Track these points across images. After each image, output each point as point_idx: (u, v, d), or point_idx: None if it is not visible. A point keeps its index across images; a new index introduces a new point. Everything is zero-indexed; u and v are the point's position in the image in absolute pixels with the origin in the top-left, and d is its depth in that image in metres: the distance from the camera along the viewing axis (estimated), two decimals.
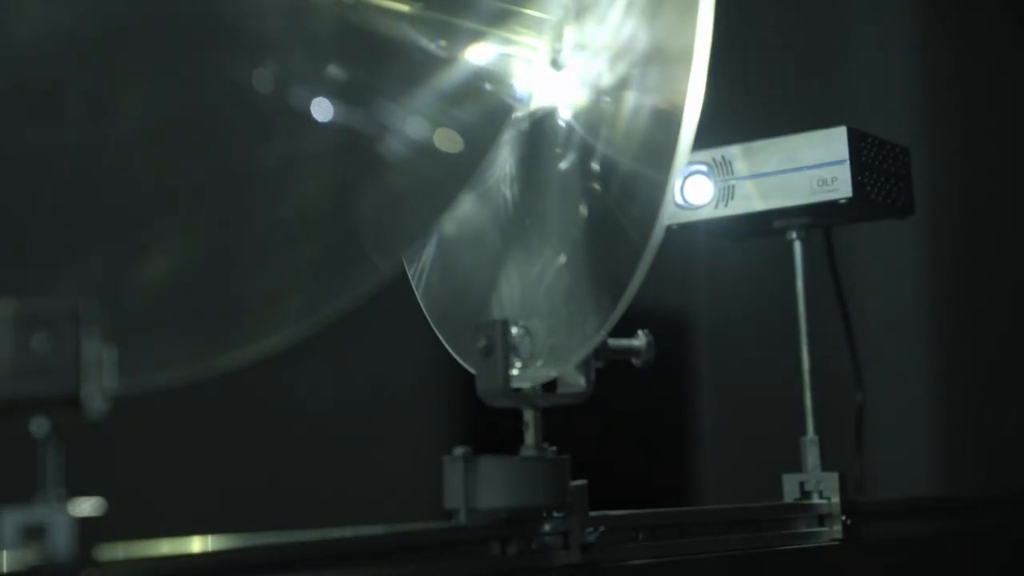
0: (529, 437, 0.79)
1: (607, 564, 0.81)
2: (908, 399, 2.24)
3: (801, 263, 1.06)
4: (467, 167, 0.64)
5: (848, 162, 1.00)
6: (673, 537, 0.88)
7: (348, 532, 0.71)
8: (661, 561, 0.85)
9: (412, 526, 0.74)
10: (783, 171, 1.02)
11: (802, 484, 1.02)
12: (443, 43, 0.64)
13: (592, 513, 0.81)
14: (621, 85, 0.79)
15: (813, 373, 1.06)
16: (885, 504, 1.05)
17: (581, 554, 0.79)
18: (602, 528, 0.80)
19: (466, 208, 0.80)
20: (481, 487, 0.76)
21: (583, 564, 0.79)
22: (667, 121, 0.75)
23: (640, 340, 0.82)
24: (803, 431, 1.05)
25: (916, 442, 2.25)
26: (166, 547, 0.60)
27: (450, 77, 0.66)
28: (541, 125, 0.83)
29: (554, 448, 0.80)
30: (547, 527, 0.79)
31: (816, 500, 1.01)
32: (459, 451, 0.77)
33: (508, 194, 0.82)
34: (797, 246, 1.06)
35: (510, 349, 0.79)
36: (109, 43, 0.58)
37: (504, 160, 0.81)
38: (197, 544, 0.62)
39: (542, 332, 0.81)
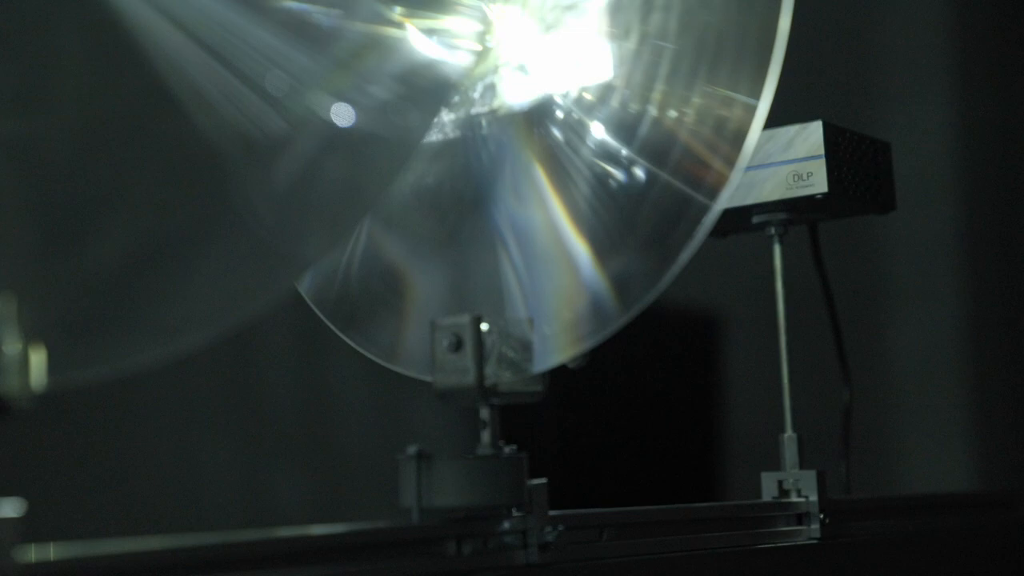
0: (486, 436, 0.79)
1: (566, 564, 0.80)
2: (940, 393, 2.22)
3: (780, 258, 1.05)
4: (396, 156, 0.62)
5: (824, 157, 0.99)
6: (642, 536, 0.87)
7: (298, 531, 0.70)
8: (624, 560, 0.84)
9: (362, 525, 0.73)
10: (759, 166, 1.01)
11: (780, 482, 1.01)
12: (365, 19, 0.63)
13: (552, 512, 0.80)
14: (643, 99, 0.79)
15: (793, 371, 1.05)
16: (864, 503, 1.03)
17: (540, 553, 0.79)
18: (561, 527, 0.79)
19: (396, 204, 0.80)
20: (435, 486, 0.76)
21: (541, 564, 0.78)
22: (718, 143, 0.75)
23: None
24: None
25: (949, 437, 2.23)
26: (92, 548, 0.59)
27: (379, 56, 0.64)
28: (511, 123, 0.82)
29: (513, 447, 0.79)
30: (505, 525, 0.78)
31: (794, 499, 1.00)
32: (412, 449, 0.76)
33: (464, 193, 0.82)
34: (776, 241, 1.05)
35: (481, 346, 0.79)
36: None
37: (454, 156, 0.81)
38: (128, 545, 0.62)
39: (512, 332, 0.81)
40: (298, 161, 0.60)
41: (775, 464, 1.03)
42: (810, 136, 1.00)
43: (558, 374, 0.81)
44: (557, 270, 0.82)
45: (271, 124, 0.59)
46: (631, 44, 0.81)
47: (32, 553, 0.56)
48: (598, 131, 0.82)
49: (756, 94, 0.76)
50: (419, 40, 0.64)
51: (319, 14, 0.61)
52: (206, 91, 0.59)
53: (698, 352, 2.32)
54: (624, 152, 0.80)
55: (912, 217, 2.01)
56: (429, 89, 0.64)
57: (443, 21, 0.65)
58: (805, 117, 1.01)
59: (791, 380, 1.05)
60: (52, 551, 0.58)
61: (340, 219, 0.61)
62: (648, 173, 0.79)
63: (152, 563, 0.62)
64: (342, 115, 0.61)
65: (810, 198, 1.00)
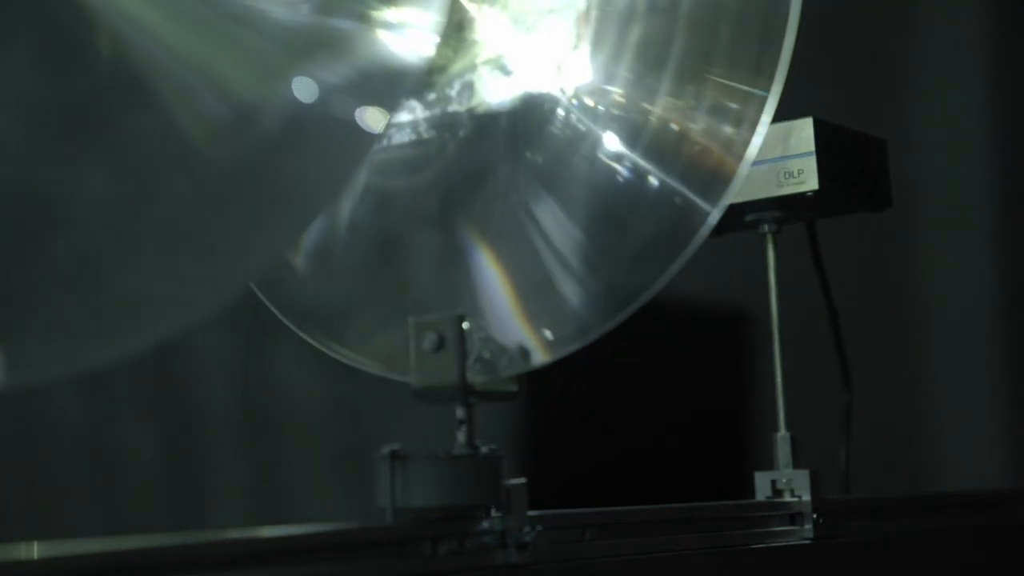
0: (462, 435, 0.78)
1: (546, 564, 0.79)
2: (972, 389, 2.19)
3: (773, 256, 1.04)
4: (354, 147, 0.61)
5: (815, 154, 0.98)
6: (627, 536, 0.86)
7: (271, 531, 0.70)
8: (607, 560, 0.83)
9: (336, 525, 0.73)
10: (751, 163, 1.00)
11: (774, 482, 1.01)
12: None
13: (532, 512, 0.79)
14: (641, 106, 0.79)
15: (787, 370, 1.04)
16: (858, 503, 1.02)
17: (518, 553, 0.78)
18: (539, 527, 0.79)
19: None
20: (411, 486, 0.76)
21: (519, 564, 0.78)
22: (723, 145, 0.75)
23: None
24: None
25: (982, 434, 2.20)
26: (76, 547, 0.59)
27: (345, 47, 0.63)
28: (493, 123, 0.82)
29: (491, 446, 0.79)
30: (484, 525, 0.78)
31: (787, 498, 1.00)
32: (386, 449, 0.76)
33: (447, 190, 0.82)
34: (769, 240, 1.04)
35: (464, 345, 0.79)
36: None
37: (433, 155, 0.81)
38: (107, 544, 0.62)
39: (491, 333, 0.80)
40: (250, 152, 0.60)
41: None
42: (801, 133, 0.99)
43: (540, 374, 0.81)
44: (547, 271, 0.82)
45: (222, 114, 0.59)
46: (619, 47, 0.80)
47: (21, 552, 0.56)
48: (598, 130, 0.81)
49: (764, 90, 0.76)
50: (380, 29, 0.64)
51: (273, 2, 0.61)
52: (157, 82, 0.59)
53: (704, 350, 2.31)
54: (622, 151, 0.80)
55: (938, 209, 1.99)
56: (388, 78, 0.63)
57: (408, 12, 0.65)
58: (807, 112, 1.00)
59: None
60: (36, 550, 0.58)
61: (295, 215, 0.61)
62: (647, 173, 0.79)
63: (129, 563, 0.62)
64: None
65: (802, 195, 0.99)
